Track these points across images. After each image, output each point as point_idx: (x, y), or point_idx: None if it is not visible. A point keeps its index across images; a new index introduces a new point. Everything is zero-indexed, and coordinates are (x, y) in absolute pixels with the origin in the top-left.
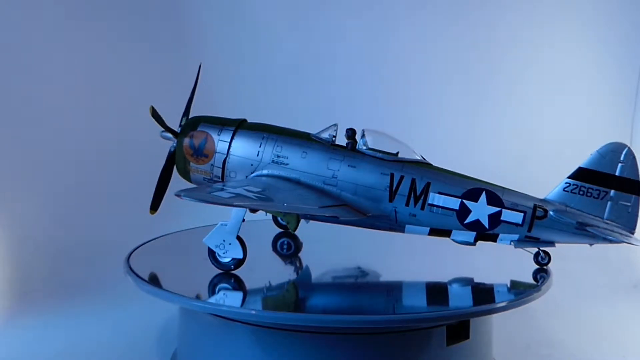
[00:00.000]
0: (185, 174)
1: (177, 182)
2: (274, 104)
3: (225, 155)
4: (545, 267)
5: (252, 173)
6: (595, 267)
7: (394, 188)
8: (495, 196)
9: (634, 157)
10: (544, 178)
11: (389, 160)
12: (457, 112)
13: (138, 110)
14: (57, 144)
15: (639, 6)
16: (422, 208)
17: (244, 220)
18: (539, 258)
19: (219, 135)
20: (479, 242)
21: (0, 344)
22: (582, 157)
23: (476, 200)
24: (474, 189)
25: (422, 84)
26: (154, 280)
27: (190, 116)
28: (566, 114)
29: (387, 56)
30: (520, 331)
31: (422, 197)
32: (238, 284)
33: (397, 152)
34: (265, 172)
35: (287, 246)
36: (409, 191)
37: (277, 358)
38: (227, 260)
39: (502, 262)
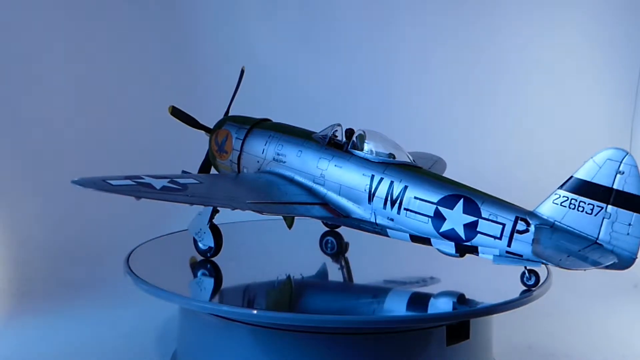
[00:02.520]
0: (216, 169)
1: None
2: (274, 103)
3: (239, 152)
4: (532, 289)
5: (258, 170)
6: None
7: (372, 190)
8: (473, 204)
9: (636, 167)
10: (544, 179)
11: (373, 162)
12: (457, 112)
13: (138, 110)
14: (57, 144)
15: None
16: (399, 212)
17: (217, 211)
18: (524, 278)
19: (236, 133)
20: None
21: (0, 344)
22: (581, 157)
23: (452, 208)
24: (451, 196)
25: (422, 84)
26: (153, 280)
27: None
28: (566, 114)
29: (386, 56)
30: (520, 331)
31: (398, 201)
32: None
33: (390, 154)
34: (267, 169)
35: (331, 245)
36: (386, 194)
37: (277, 358)
38: (203, 247)
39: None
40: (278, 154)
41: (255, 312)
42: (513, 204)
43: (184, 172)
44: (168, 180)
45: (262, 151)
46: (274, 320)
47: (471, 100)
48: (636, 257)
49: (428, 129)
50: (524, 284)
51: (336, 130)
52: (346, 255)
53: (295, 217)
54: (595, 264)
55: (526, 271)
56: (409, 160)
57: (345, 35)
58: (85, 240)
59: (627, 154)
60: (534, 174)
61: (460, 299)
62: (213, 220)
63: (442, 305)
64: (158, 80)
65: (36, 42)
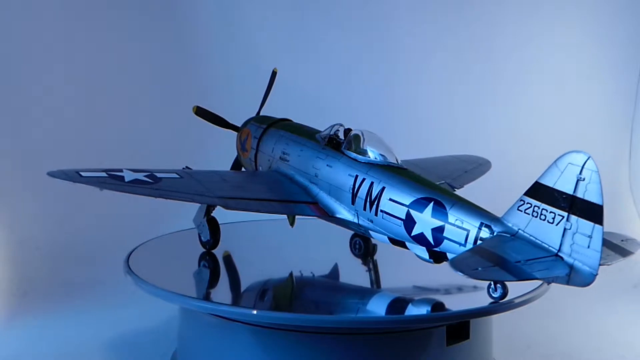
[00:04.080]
0: (243, 165)
1: None
2: (273, 103)
3: (255, 151)
4: (498, 301)
5: (269, 168)
6: None
7: (355, 190)
8: (441, 208)
9: (597, 173)
10: None
11: (360, 162)
12: (457, 112)
13: (138, 110)
14: (58, 144)
15: None
16: (376, 214)
17: (213, 207)
18: (490, 290)
19: (255, 132)
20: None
21: (1, 344)
22: None
23: (422, 211)
24: (422, 198)
25: (421, 84)
26: (153, 280)
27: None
28: (566, 114)
29: (386, 56)
30: (520, 331)
31: (375, 202)
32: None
33: (381, 155)
34: (275, 167)
35: (359, 246)
36: (365, 195)
37: (277, 358)
38: (204, 240)
39: None
40: (284, 153)
41: (255, 312)
42: (483, 209)
43: (186, 168)
44: (146, 174)
45: (271, 150)
46: (273, 320)
47: (471, 100)
48: (596, 274)
49: (428, 130)
50: (490, 296)
51: (337, 130)
52: (375, 257)
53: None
54: (528, 277)
55: (492, 282)
56: (394, 162)
57: (345, 36)
58: (85, 240)
59: (589, 157)
60: (534, 174)
61: (435, 307)
62: (214, 216)
63: (417, 310)
64: (159, 80)
65: (36, 42)
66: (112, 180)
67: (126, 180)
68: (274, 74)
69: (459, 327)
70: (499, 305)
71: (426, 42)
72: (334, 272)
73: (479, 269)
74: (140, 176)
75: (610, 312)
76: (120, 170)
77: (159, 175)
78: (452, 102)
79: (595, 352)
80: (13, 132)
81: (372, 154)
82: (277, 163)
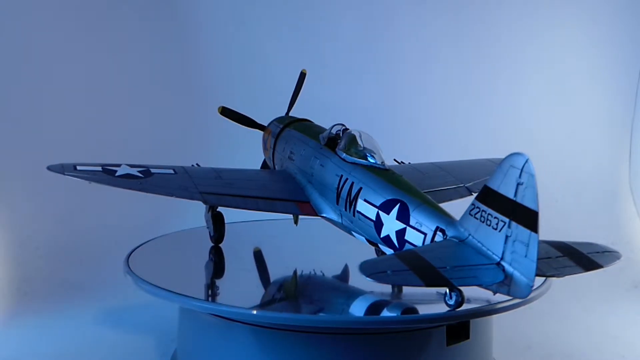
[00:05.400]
0: (268, 164)
1: None
2: (273, 103)
3: (272, 150)
4: (455, 309)
5: (281, 166)
6: None
7: (339, 190)
8: (406, 210)
9: (534, 177)
10: (544, 179)
11: (347, 162)
12: (456, 112)
13: (138, 110)
14: (58, 144)
15: None
16: (354, 214)
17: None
18: (446, 298)
19: (273, 132)
20: None
21: (0, 344)
22: (581, 158)
23: (388, 213)
24: (390, 200)
25: (420, 84)
26: (153, 280)
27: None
28: (566, 114)
29: (387, 56)
30: (520, 331)
31: (353, 203)
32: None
33: (370, 155)
34: (285, 165)
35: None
36: (346, 195)
37: (276, 358)
38: (211, 234)
39: None
40: (291, 152)
41: (255, 312)
42: (444, 213)
43: (194, 165)
44: (141, 169)
45: (283, 149)
46: (273, 320)
47: (470, 100)
48: (532, 285)
49: (428, 130)
50: (446, 304)
51: (339, 131)
52: None
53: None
54: (444, 284)
55: (447, 289)
56: (378, 163)
57: (345, 36)
58: (85, 240)
59: (527, 160)
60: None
61: (405, 312)
62: (220, 211)
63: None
64: (159, 80)
65: (36, 42)
66: (102, 174)
67: (117, 174)
68: (302, 75)
69: (459, 327)
70: (499, 306)
71: (426, 42)
72: (344, 273)
73: (388, 272)
74: (134, 171)
75: (610, 312)
76: (117, 165)
77: (153, 170)
78: (452, 102)
79: (596, 352)
80: (13, 132)
81: (358, 155)
82: (286, 162)
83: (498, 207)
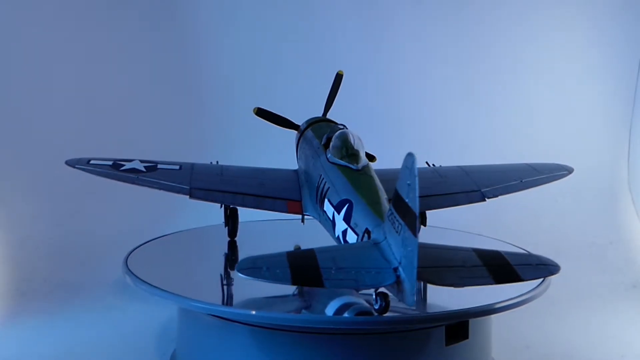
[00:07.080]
0: None
1: None
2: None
3: (296, 149)
4: (380, 314)
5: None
6: (595, 266)
7: (317, 189)
8: (350, 210)
9: (417, 177)
10: None
11: (329, 162)
12: (455, 112)
13: (138, 110)
14: (57, 144)
15: None
16: (323, 214)
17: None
18: (373, 301)
19: (300, 133)
20: None
21: (0, 344)
22: (580, 158)
23: (339, 213)
24: (343, 200)
25: (419, 84)
26: (153, 280)
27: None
28: (565, 114)
29: (387, 56)
30: (519, 331)
31: (323, 202)
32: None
33: (350, 155)
34: (298, 164)
35: None
36: (321, 195)
37: (276, 359)
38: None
39: None
40: (302, 151)
41: (254, 312)
42: (382, 213)
43: (213, 162)
44: (149, 164)
45: (300, 149)
46: (273, 320)
47: (470, 100)
48: (415, 293)
49: (428, 130)
50: (372, 308)
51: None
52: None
53: None
54: (315, 284)
55: (374, 293)
56: (352, 164)
57: (345, 36)
58: (85, 240)
59: (414, 160)
60: None
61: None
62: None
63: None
64: (159, 80)
65: (37, 42)
66: (107, 168)
67: (122, 169)
68: (338, 76)
69: (458, 327)
70: (498, 306)
71: (424, 42)
72: None
73: (264, 268)
74: (141, 166)
75: (610, 312)
76: (131, 160)
77: (160, 166)
78: (451, 102)
79: (595, 352)
80: (13, 132)
81: (339, 155)
82: (299, 161)
83: (399, 209)
